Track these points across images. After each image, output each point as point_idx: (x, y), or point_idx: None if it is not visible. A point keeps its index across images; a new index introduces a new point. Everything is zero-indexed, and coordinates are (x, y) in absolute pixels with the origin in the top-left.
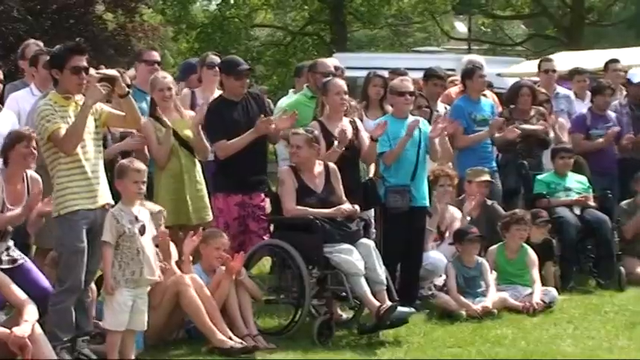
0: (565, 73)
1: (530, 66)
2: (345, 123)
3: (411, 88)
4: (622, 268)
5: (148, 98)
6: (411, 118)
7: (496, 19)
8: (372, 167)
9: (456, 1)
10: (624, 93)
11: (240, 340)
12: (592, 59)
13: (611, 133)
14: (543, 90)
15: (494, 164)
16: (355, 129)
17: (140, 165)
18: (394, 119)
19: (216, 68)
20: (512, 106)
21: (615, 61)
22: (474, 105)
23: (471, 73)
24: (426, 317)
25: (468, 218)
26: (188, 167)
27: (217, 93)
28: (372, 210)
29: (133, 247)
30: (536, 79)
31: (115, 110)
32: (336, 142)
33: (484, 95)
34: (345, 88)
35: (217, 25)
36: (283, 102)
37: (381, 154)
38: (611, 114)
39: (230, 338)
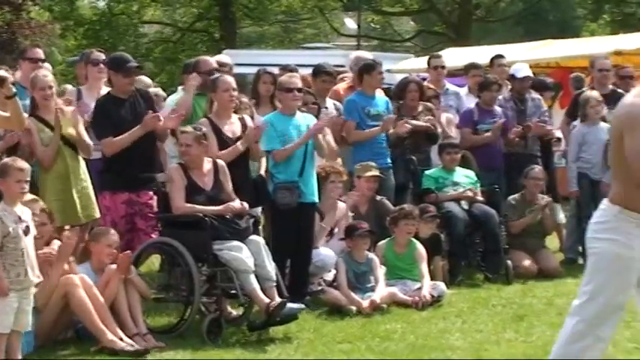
0: (455, 69)
1: (419, 62)
2: (235, 120)
3: (299, 84)
4: (509, 262)
5: None
6: (299, 115)
7: (385, 16)
8: (263, 164)
9: None
10: (509, 87)
11: (131, 342)
12: (479, 55)
13: (498, 126)
14: (431, 86)
15: (388, 160)
16: (244, 126)
17: (23, 164)
18: (282, 116)
19: (101, 65)
20: (400, 102)
21: (500, 56)
22: (368, 100)
23: (370, 68)
24: (315, 313)
25: (351, 214)
26: (74, 166)
27: (105, 90)
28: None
29: (17, 248)
30: (426, 75)
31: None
32: (239, 142)
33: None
34: (234, 84)
35: (105, 22)
36: (172, 99)
37: (268, 152)
38: (498, 109)
39: (121, 339)
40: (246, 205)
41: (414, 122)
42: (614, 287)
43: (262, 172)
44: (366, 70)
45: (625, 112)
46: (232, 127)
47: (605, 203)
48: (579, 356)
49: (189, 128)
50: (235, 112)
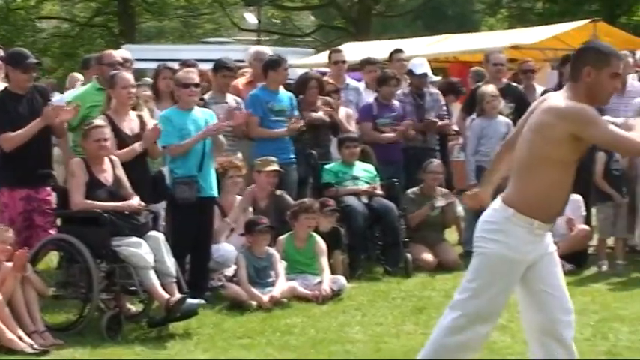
0: (354, 63)
1: (319, 57)
2: (133, 117)
3: (196, 79)
4: (409, 255)
5: None
6: (197, 110)
7: (285, 11)
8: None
9: None
10: (408, 82)
11: (30, 342)
12: (379, 50)
13: (404, 128)
14: (332, 81)
15: (292, 155)
16: (142, 123)
17: None
18: (180, 111)
19: None
20: (300, 97)
21: (400, 51)
22: (272, 95)
23: (276, 64)
24: (216, 308)
25: (251, 209)
26: None
27: (2, 85)
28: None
29: None
30: (327, 69)
31: None
32: (137, 144)
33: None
34: (133, 81)
35: (3, 17)
36: (70, 94)
37: (165, 147)
38: (396, 103)
39: (20, 338)
40: (142, 203)
41: (312, 114)
42: (498, 288)
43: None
44: (271, 66)
45: (571, 114)
46: (131, 124)
47: (498, 203)
48: (458, 350)
49: (99, 122)
50: (134, 108)
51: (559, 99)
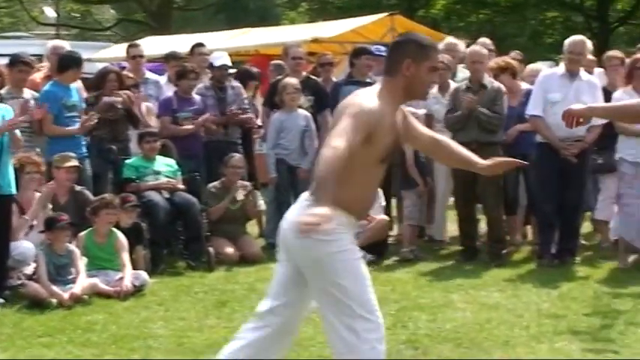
0: (155, 57)
1: (119, 50)
2: None
3: None
4: (211, 249)
5: None
6: None
7: (85, 4)
8: None
9: None
10: (210, 76)
11: None
12: (180, 43)
13: (200, 122)
14: (131, 75)
15: (84, 150)
16: None
17: None
18: None
19: None
20: (99, 91)
21: (200, 45)
22: (65, 91)
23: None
24: (15, 308)
25: (51, 205)
26: None
27: None
28: None
29: None
30: (126, 64)
31: None
32: None
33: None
34: None
35: None
36: None
37: None
38: (197, 97)
39: None
40: None
41: (106, 99)
42: None
43: None
44: (68, 65)
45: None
46: None
47: (306, 197)
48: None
49: None
50: None
51: (365, 97)
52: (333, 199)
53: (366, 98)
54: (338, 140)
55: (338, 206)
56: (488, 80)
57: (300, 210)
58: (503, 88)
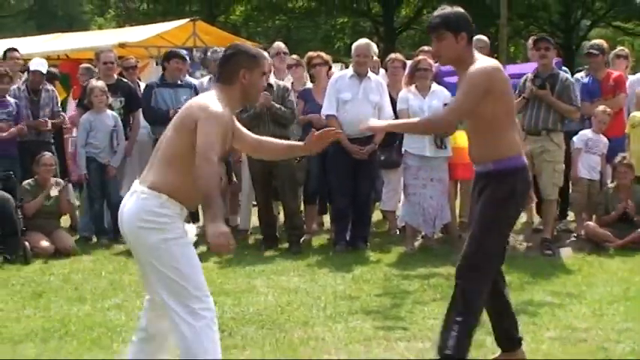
0: None
1: None
2: None
3: None
4: (27, 243)
5: None
6: None
7: None
8: None
9: None
10: (23, 79)
11: None
12: None
13: (15, 132)
14: None
15: None
16: None
17: None
18: None
19: None
20: None
21: (14, 49)
22: None
23: None
24: None
25: None
26: None
27: None
28: None
29: None
30: None
31: None
32: None
33: None
34: None
35: None
36: None
37: None
38: (11, 99)
39: None
40: None
41: None
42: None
43: None
44: None
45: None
46: None
47: (145, 191)
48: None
49: None
50: None
51: (213, 103)
52: (173, 193)
53: (215, 104)
54: (211, 152)
55: (174, 197)
56: (274, 81)
57: (137, 202)
58: (289, 85)
